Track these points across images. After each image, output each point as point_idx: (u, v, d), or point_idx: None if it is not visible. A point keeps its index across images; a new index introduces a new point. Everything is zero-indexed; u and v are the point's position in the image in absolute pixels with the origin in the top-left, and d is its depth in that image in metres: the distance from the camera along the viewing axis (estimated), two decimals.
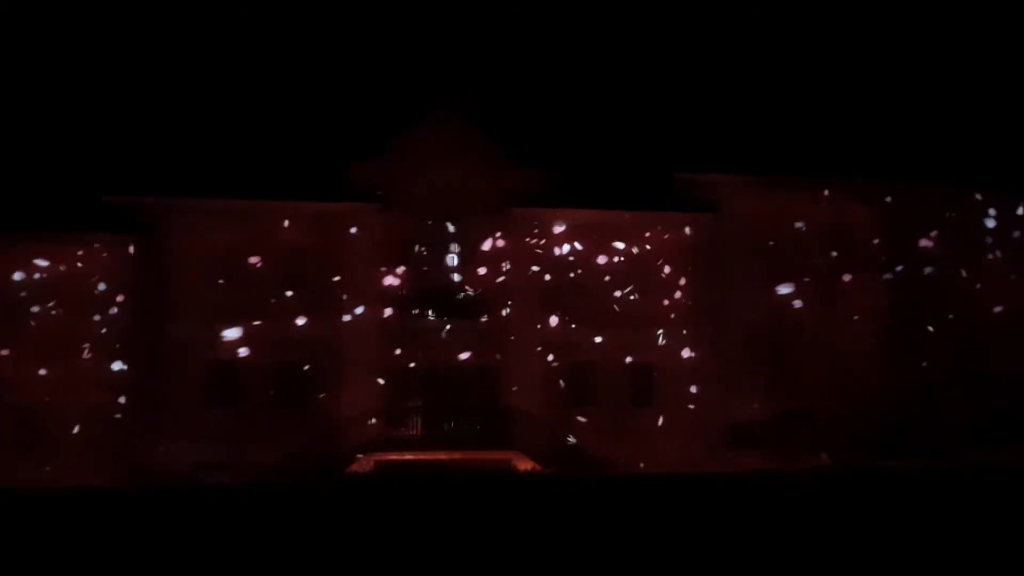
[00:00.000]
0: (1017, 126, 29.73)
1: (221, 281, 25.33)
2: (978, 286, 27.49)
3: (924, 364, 26.94)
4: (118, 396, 24.38)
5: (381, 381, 25.32)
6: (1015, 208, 28.29)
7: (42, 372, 24.20)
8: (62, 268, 24.95)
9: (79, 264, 25.05)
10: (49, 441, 23.92)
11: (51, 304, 24.73)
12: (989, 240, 28.02)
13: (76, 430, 24.08)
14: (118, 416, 24.20)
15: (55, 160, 26.88)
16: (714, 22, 40.63)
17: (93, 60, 31.44)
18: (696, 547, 10.42)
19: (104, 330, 24.77)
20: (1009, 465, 20.70)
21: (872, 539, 10.66)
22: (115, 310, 24.91)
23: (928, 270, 27.57)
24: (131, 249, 25.12)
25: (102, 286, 24.99)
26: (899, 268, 27.46)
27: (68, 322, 24.71)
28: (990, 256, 27.89)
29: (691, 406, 26.23)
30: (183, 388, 24.58)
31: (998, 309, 27.40)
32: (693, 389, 26.36)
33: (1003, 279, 27.68)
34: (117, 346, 24.67)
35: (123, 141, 27.03)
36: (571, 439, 24.31)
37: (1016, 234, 28.18)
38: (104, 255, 25.17)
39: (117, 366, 24.54)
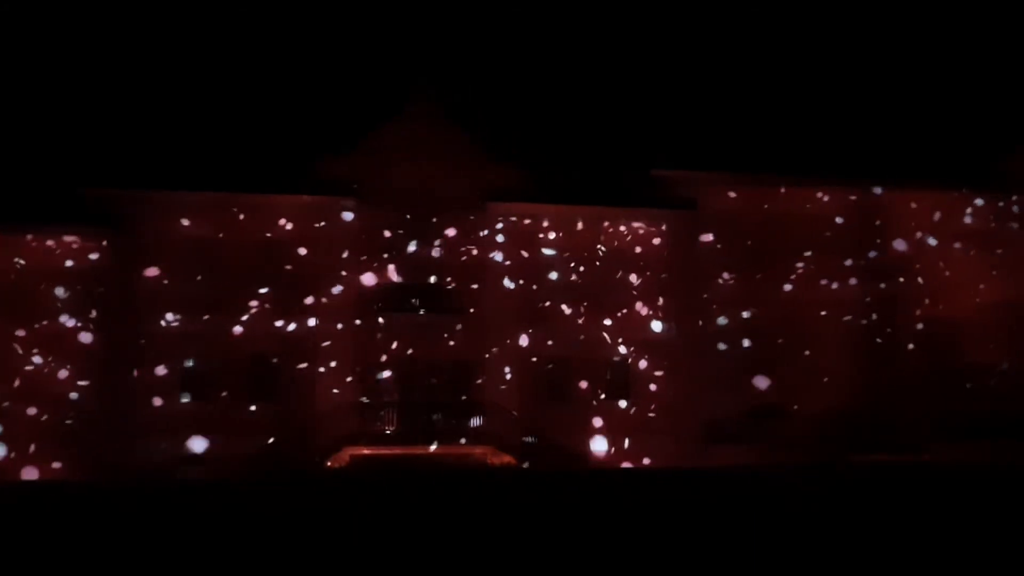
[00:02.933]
0: (987, 125, 30.05)
1: (196, 274, 25.18)
2: (952, 282, 27.75)
3: (897, 360, 27.18)
4: (92, 390, 24.17)
5: (357, 375, 25.32)
6: (988, 206, 28.53)
7: (15, 365, 23.98)
8: (36, 261, 24.71)
9: (53, 257, 24.82)
10: (23, 435, 23.68)
11: (24, 297, 24.47)
12: (962, 237, 28.27)
13: (51, 424, 23.87)
14: (93, 410, 24.00)
15: (29, 153, 26.65)
16: (691, 20, 40.82)
17: (68, 54, 31.19)
18: (672, 542, 10.48)
19: (78, 323, 24.58)
20: (983, 462, 20.94)
21: (855, 535, 10.75)
22: (89, 303, 24.71)
23: (903, 267, 27.79)
24: (105, 242, 24.90)
25: (76, 279, 24.78)
26: (874, 265, 27.67)
27: (41, 315, 24.48)
28: (963, 253, 28.14)
29: (667, 401, 26.36)
30: (158, 382, 24.43)
31: (971, 306, 27.68)
32: (669, 384, 26.50)
33: (976, 276, 27.93)
34: (91, 340, 24.47)
35: (98, 134, 26.83)
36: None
37: (988, 232, 28.44)
38: (78, 248, 24.96)
39: (91, 359, 24.32)
